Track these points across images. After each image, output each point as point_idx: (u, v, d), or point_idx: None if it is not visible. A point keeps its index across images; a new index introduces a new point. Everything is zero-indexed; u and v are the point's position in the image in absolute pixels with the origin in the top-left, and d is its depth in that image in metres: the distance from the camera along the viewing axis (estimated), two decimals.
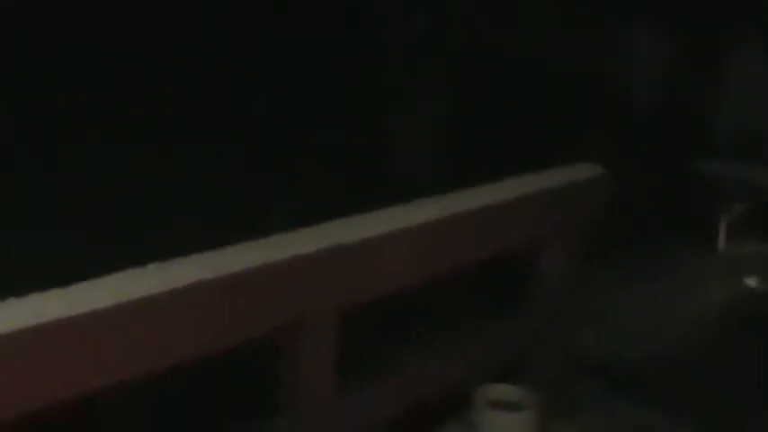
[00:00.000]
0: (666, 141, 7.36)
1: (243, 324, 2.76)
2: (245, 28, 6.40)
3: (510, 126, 6.76)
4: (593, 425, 4.08)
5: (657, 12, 7.61)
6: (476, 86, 7.03)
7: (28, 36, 5.67)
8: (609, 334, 5.01)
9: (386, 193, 3.67)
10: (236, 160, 6.00)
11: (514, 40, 7.16)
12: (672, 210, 6.77)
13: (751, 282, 6.28)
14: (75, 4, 5.76)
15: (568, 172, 3.94)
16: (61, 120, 5.60)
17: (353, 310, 3.07)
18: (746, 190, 7.14)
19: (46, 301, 2.36)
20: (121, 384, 2.50)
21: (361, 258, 3.05)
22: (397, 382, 3.46)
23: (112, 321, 2.42)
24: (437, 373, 3.63)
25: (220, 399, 4.12)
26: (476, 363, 3.85)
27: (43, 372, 2.32)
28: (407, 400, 3.49)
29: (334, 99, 6.53)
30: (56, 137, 5.57)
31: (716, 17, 7.44)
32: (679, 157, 7.25)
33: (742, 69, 7.56)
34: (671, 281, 6.12)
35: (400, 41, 7.02)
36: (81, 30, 5.78)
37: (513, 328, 4.03)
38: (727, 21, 7.48)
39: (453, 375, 3.72)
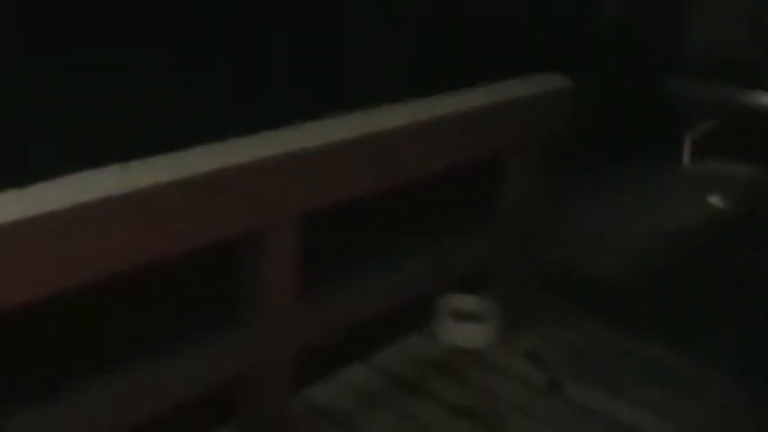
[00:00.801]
0: (635, 57, 7.33)
1: (204, 227, 2.73)
2: None
3: (476, 37, 6.69)
4: (552, 337, 4.10)
5: None
6: None
7: None
8: (571, 248, 5.03)
9: (350, 100, 3.62)
10: (196, 66, 5.90)
11: None
12: (637, 126, 6.76)
13: (714, 200, 6.31)
14: None
15: (533, 82, 3.91)
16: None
17: (316, 217, 3.06)
18: (712, 109, 7.14)
19: (1, 204, 2.32)
20: (81, 288, 2.48)
21: (324, 163, 3.02)
22: (360, 290, 3.45)
23: (69, 223, 2.38)
24: (399, 282, 3.62)
25: (183, 303, 4.12)
26: (438, 273, 3.85)
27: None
28: (369, 307, 3.48)
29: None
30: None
31: None
32: (647, 73, 7.23)
33: None
34: (635, 197, 6.14)
35: None
36: None
37: (476, 241, 4.02)
38: None
39: (416, 285, 3.72)
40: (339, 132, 3.08)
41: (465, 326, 3.99)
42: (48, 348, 3.94)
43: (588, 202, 5.76)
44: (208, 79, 5.89)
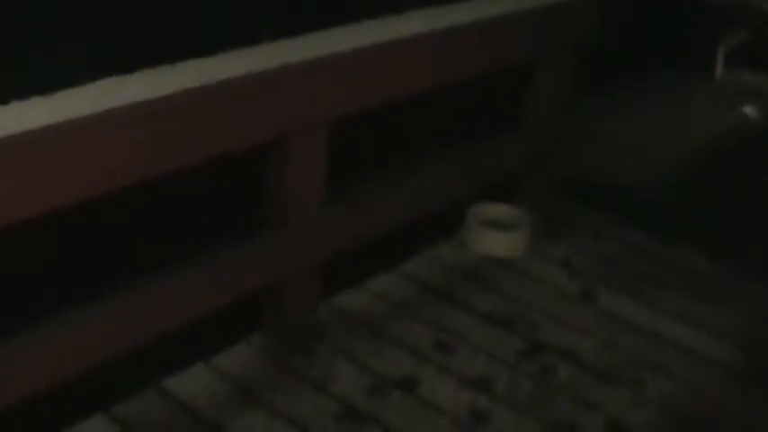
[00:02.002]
0: None
1: (230, 134, 2.70)
2: None
3: None
4: (584, 247, 4.08)
5: None
6: None
7: None
8: (602, 159, 4.98)
9: (378, 5, 3.56)
10: None
11: None
12: (670, 36, 6.65)
13: (747, 110, 6.22)
14: None
15: None
16: None
17: (344, 124, 3.02)
18: (746, 18, 7.00)
19: (28, 109, 2.30)
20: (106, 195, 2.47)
21: (352, 69, 2.97)
22: (388, 198, 3.43)
23: (96, 129, 2.36)
24: (427, 189, 3.60)
25: (210, 214, 4.11)
26: (467, 182, 3.82)
27: (27, 181, 2.27)
28: (396, 214, 3.46)
29: None
30: None
31: None
32: None
33: None
34: (667, 108, 6.06)
35: None
36: None
37: (505, 149, 3.99)
38: None
39: (444, 192, 3.69)
40: (368, 37, 3.04)
41: (496, 234, 3.97)
42: (86, 254, 3.96)
43: (620, 113, 5.69)
44: None
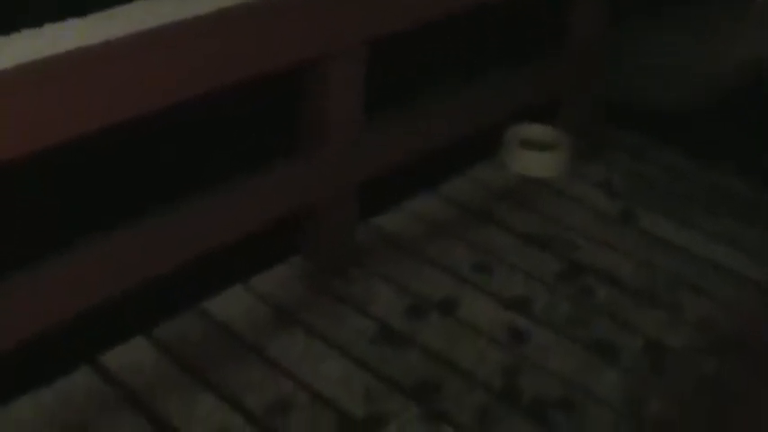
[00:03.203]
0: None
1: (268, 55, 2.67)
2: None
3: None
4: (624, 168, 4.04)
5: None
6: None
7: None
8: (642, 79, 4.92)
9: None
10: None
11: None
12: None
13: None
14: None
15: None
16: None
17: (382, 44, 2.99)
18: None
19: (62, 32, 2.28)
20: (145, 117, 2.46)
21: None
22: (427, 118, 3.40)
23: (130, 51, 2.34)
24: (468, 111, 3.56)
25: (248, 136, 4.11)
26: (507, 103, 3.78)
27: (60, 104, 2.26)
28: (436, 136, 3.44)
29: None
30: None
31: None
32: None
33: None
34: (708, 31, 5.96)
35: None
36: None
37: (544, 69, 3.94)
38: None
39: (485, 114, 3.66)
40: None
41: (535, 155, 3.94)
42: (130, 172, 3.98)
43: (663, 33, 5.60)
44: None
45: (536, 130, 4.04)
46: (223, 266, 3.16)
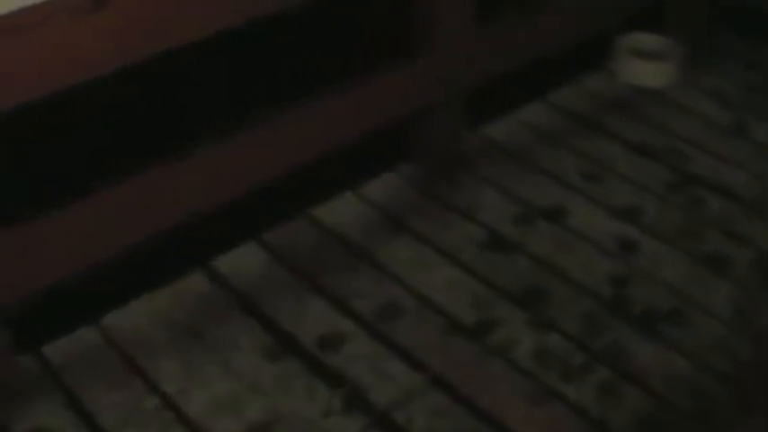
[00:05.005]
0: None
1: None
2: None
3: None
4: (737, 78, 3.94)
5: None
6: None
7: None
8: None
9: None
10: None
11: None
12: None
13: None
14: None
15: None
16: None
17: None
18: None
19: None
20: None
21: None
22: (536, 25, 3.35)
23: None
24: (576, 17, 3.49)
25: (357, 42, 4.09)
26: (616, 9, 3.70)
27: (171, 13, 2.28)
28: (545, 44, 3.38)
29: None
30: None
31: None
32: None
33: None
34: None
35: None
36: None
37: None
38: None
39: (593, 20, 3.59)
40: None
41: (645, 64, 3.86)
42: (246, 80, 4.00)
43: None
44: None
45: (646, 39, 3.96)
46: (332, 174, 3.17)
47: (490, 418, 2.43)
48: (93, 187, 2.34)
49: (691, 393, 2.53)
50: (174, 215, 2.53)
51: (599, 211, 3.15)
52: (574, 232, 3.06)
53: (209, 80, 4.01)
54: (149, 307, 2.71)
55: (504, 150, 3.42)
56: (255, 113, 2.66)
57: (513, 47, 3.28)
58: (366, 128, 2.88)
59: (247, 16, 2.41)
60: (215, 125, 2.76)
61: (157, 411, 2.41)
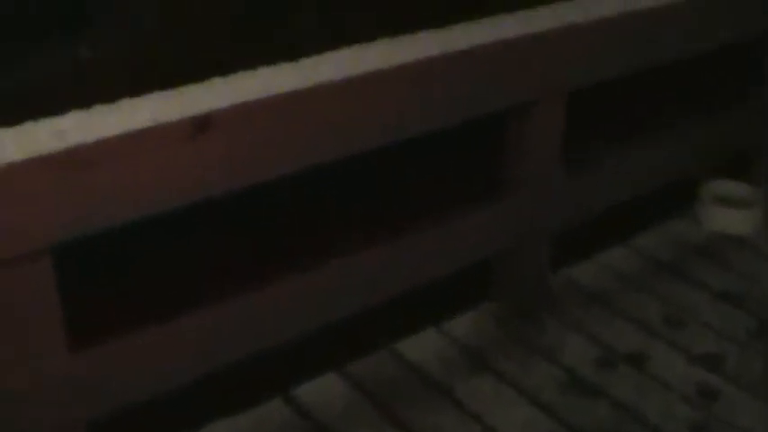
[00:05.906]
0: None
1: (474, 100, 2.74)
2: None
3: None
4: None
5: None
6: None
7: None
8: None
9: None
10: None
11: None
12: None
13: None
14: None
15: None
16: None
17: (582, 92, 3.02)
18: None
19: (276, 75, 2.39)
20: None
21: (589, 39, 2.96)
22: (622, 169, 3.40)
23: (341, 94, 2.44)
24: (662, 164, 3.55)
25: (446, 176, 4.16)
26: (701, 157, 3.75)
27: (274, 142, 2.36)
28: (631, 188, 3.43)
29: None
30: None
31: None
32: None
33: None
34: None
35: None
36: None
37: (737, 123, 3.89)
38: None
39: (678, 168, 3.64)
40: (610, 8, 3.02)
41: (730, 211, 3.88)
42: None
43: None
44: None
45: (730, 186, 3.98)
46: (415, 309, 3.21)
47: None
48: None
49: None
50: (263, 341, 2.59)
51: (680, 358, 3.14)
52: (654, 378, 3.05)
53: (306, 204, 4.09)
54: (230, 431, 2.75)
55: (587, 293, 3.44)
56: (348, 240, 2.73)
57: (601, 190, 3.34)
58: (452, 265, 2.93)
59: (351, 151, 2.51)
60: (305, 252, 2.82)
61: None
